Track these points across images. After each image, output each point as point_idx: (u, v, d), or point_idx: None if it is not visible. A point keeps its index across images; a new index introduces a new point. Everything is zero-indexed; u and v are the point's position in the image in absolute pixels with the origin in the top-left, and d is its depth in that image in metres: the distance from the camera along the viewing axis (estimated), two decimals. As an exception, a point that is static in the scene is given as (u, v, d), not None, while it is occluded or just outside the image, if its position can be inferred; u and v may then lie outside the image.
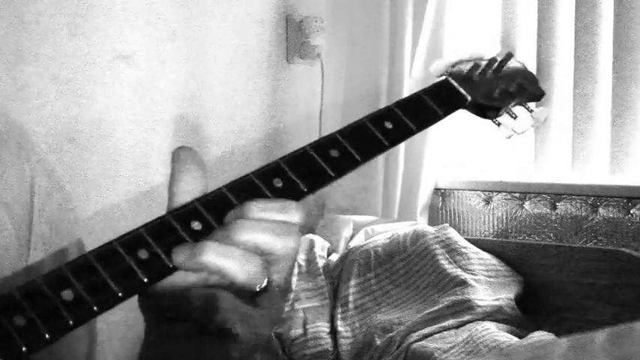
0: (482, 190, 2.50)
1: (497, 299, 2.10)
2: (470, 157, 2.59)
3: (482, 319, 2.03)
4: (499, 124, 0.94)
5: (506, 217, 2.43)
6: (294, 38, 2.65)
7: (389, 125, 0.75)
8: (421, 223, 2.52)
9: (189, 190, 0.65)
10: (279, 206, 0.64)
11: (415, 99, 0.81)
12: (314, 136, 2.74)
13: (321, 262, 2.35)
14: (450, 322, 2.04)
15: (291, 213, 0.64)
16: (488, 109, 0.91)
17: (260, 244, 0.62)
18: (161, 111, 2.38)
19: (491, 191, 2.47)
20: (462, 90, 0.86)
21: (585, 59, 2.30)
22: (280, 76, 2.65)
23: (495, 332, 1.95)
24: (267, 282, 0.63)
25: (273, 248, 0.62)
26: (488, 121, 0.94)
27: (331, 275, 2.33)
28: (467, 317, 2.04)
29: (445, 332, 2.02)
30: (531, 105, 0.96)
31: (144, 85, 2.33)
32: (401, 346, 2.01)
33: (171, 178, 0.65)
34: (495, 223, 2.46)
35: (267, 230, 0.62)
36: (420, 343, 1.99)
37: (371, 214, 2.60)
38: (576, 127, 2.32)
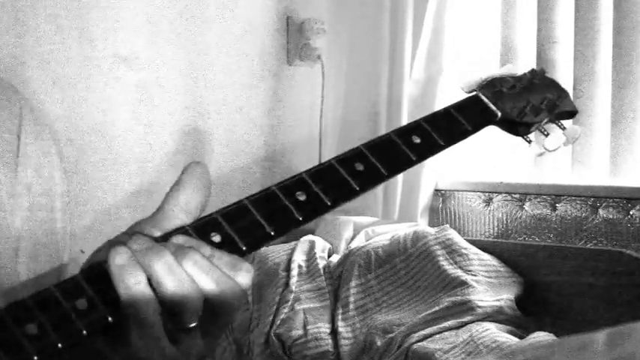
0: (482, 192, 2.50)
1: (497, 300, 2.10)
2: (470, 158, 2.59)
3: (483, 320, 2.04)
4: (530, 142, 0.92)
5: (507, 218, 2.44)
6: (294, 40, 2.65)
7: (417, 140, 0.74)
8: (421, 224, 2.53)
9: (185, 203, 0.64)
10: (230, 260, 0.62)
11: (444, 114, 0.80)
12: (314, 137, 2.75)
13: (321, 263, 2.36)
14: (451, 322, 2.05)
15: (241, 272, 0.61)
16: (519, 125, 0.89)
17: (205, 282, 0.59)
18: (162, 113, 2.38)
19: (492, 192, 2.47)
20: (492, 106, 0.85)
21: (585, 60, 2.30)
22: (281, 77, 2.66)
23: (496, 333, 1.95)
24: (196, 324, 0.60)
25: (217, 294, 0.60)
26: (519, 138, 0.92)
27: (332, 276, 2.34)
28: (467, 318, 2.05)
29: (445, 333, 2.02)
30: (564, 122, 0.94)
31: (145, 87, 2.34)
32: (401, 346, 2.01)
33: (174, 184, 0.65)
34: (495, 224, 2.46)
35: (215, 273, 0.60)
36: (420, 343, 1.99)
37: (371, 215, 2.60)
38: (576, 129, 2.32)
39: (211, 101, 2.49)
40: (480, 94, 0.86)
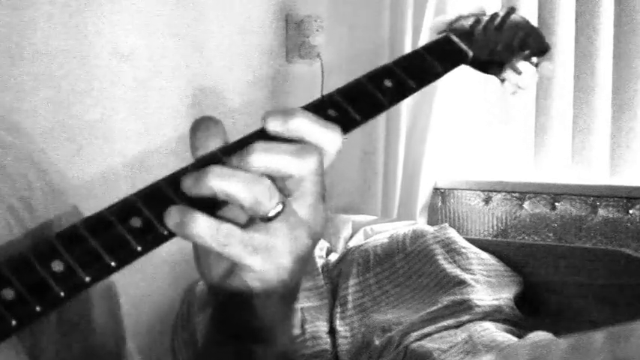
0: (481, 190, 2.50)
1: (496, 299, 2.10)
2: (469, 156, 2.59)
3: (482, 319, 2.03)
4: (503, 80, 0.92)
5: (506, 217, 2.43)
6: (293, 38, 2.65)
7: (388, 84, 0.72)
8: (420, 223, 2.52)
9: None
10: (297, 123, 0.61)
11: (415, 56, 0.78)
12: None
13: (320, 262, 2.35)
14: (449, 321, 2.04)
15: (313, 132, 0.61)
16: (490, 64, 0.88)
17: (270, 166, 0.60)
18: (159, 110, 2.38)
19: (491, 191, 2.47)
20: (463, 46, 0.83)
21: (585, 59, 2.30)
22: (280, 75, 2.65)
23: (494, 332, 1.95)
24: (282, 207, 0.60)
25: (287, 170, 0.60)
26: (492, 78, 0.91)
27: (330, 275, 2.33)
28: (466, 317, 2.04)
29: (444, 332, 2.02)
30: (536, 60, 0.93)
31: (142, 84, 2.33)
32: (400, 345, 2.01)
33: (192, 148, 0.64)
34: (495, 223, 2.46)
35: (280, 151, 0.60)
36: (418, 342, 1.99)
37: (370, 214, 2.60)
38: (576, 127, 2.32)
39: (209, 98, 2.49)
40: (451, 35, 0.84)
